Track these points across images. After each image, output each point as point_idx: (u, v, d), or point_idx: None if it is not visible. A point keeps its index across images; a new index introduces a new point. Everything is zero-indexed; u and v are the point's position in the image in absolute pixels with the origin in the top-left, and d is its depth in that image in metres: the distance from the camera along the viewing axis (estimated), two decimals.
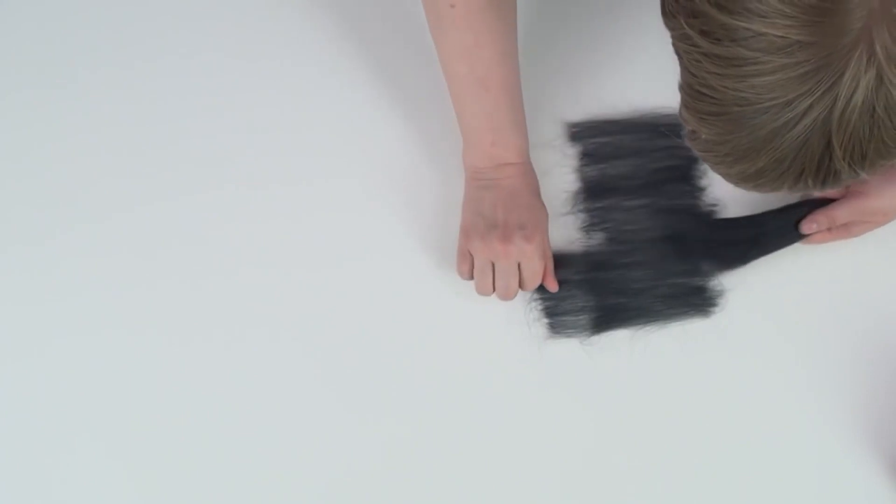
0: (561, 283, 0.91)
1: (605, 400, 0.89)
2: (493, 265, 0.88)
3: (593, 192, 0.95)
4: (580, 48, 1.01)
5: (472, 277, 0.89)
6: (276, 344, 0.92)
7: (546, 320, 0.92)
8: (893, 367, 0.88)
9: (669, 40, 0.62)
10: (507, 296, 0.89)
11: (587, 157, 0.97)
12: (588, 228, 0.94)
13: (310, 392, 0.91)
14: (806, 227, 0.90)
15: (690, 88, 0.60)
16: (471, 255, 0.88)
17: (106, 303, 0.94)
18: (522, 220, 0.87)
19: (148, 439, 0.90)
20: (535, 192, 0.90)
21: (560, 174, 0.96)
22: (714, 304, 0.91)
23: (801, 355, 0.90)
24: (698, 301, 0.92)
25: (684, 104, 0.62)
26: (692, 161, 0.96)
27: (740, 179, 0.63)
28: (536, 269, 0.88)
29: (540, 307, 0.92)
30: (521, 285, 0.89)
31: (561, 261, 0.92)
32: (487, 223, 0.87)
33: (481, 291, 0.89)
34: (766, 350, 0.90)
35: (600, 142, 0.97)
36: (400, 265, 0.94)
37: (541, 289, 0.91)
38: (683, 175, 0.95)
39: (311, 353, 0.92)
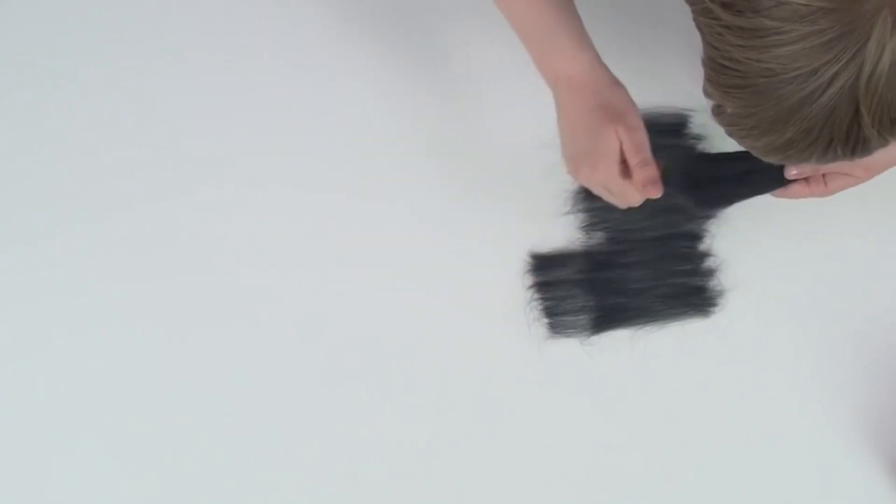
0: (561, 283, 0.91)
1: (605, 400, 0.89)
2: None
3: (593, 192, 0.95)
4: None
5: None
6: (276, 344, 0.92)
7: (546, 320, 0.92)
8: (893, 367, 0.88)
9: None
10: (619, 205, 0.83)
11: None
12: (588, 228, 0.94)
13: (310, 392, 0.91)
14: (789, 171, 0.83)
15: (713, 62, 0.60)
16: None
17: (106, 302, 0.94)
18: (583, 149, 0.79)
19: (148, 438, 0.90)
20: (590, 108, 0.79)
21: (560, 174, 0.96)
22: (714, 304, 0.91)
23: (801, 355, 0.90)
24: (698, 301, 0.92)
25: (708, 79, 0.61)
26: None
27: (768, 151, 0.62)
28: (613, 191, 0.80)
29: (540, 307, 0.92)
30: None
31: (561, 261, 0.92)
32: (565, 154, 0.81)
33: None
34: (766, 350, 0.90)
35: None
36: (400, 265, 0.94)
37: (540, 287, 0.91)
38: None
39: (311, 352, 0.92)
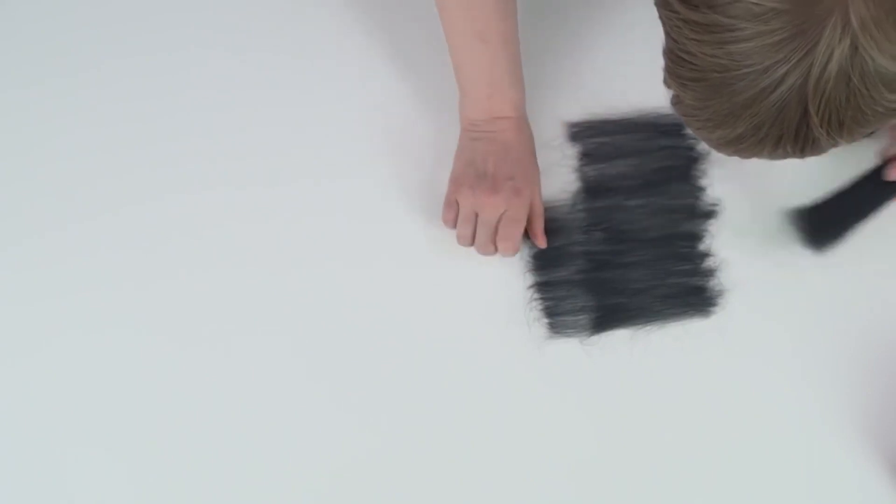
0: (561, 283, 0.91)
1: (605, 400, 0.89)
2: (478, 217, 0.88)
3: (593, 192, 0.95)
4: (580, 48, 1.01)
5: (455, 227, 0.89)
6: (276, 344, 0.92)
7: (546, 320, 0.92)
8: (893, 367, 0.88)
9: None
10: (486, 249, 0.89)
11: (587, 157, 0.97)
12: (588, 228, 0.94)
13: (310, 392, 0.90)
14: (893, 173, 0.89)
15: (672, 54, 0.62)
16: (457, 203, 0.89)
17: (107, 302, 0.94)
18: (513, 172, 0.87)
19: (148, 439, 0.90)
20: (529, 147, 0.90)
21: (560, 174, 0.96)
22: (714, 304, 0.91)
23: (801, 355, 0.90)
24: (698, 301, 0.92)
25: (667, 70, 0.63)
26: (692, 161, 0.96)
27: (721, 144, 0.63)
28: (518, 219, 0.87)
29: (540, 307, 0.92)
30: (498, 237, 0.88)
31: (561, 260, 0.92)
32: (478, 173, 0.88)
33: (461, 241, 0.89)
34: (766, 350, 0.90)
35: (600, 142, 0.97)
36: (399, 265, 0.94)
37: (540, 287, 0.91)
38: (683, 175, 0.96)
39: (311, 352, 0.92)
